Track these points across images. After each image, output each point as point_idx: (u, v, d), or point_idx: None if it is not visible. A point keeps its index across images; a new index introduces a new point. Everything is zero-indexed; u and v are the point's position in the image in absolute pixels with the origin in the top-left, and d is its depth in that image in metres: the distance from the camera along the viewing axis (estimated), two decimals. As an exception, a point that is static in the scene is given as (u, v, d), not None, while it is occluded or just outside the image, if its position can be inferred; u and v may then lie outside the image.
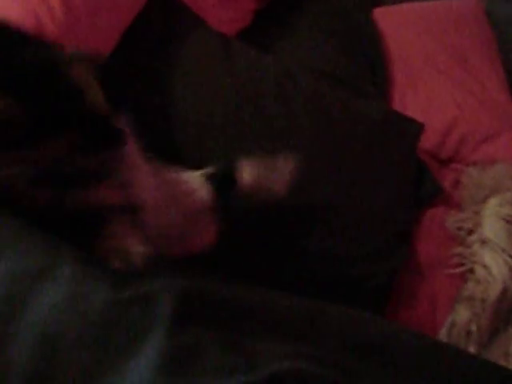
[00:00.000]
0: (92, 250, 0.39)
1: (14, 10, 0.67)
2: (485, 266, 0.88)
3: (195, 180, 0.63)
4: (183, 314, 0.32)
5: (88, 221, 0.40)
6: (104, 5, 0.72)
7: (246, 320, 0.36)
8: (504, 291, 0.85)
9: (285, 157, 0.64)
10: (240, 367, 0.30)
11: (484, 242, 0.90)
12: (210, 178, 0.63)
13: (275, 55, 0.97)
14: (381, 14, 1.26)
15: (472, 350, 0.82)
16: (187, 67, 0.85)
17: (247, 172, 0.62)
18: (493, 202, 0.94)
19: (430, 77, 1.13)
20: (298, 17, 1.13)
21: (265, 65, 0.87)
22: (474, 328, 0.83)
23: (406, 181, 0.90)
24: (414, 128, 0.94)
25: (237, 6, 1.05)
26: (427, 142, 1.03)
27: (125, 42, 0.81)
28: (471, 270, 0.89)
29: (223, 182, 0.63)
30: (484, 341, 0.83)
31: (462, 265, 0.90)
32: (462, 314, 0.84)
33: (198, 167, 0.66)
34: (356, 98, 0.96)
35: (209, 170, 0.65)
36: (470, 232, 0.93)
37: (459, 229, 0.94)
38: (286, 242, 0.77)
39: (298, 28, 1.11)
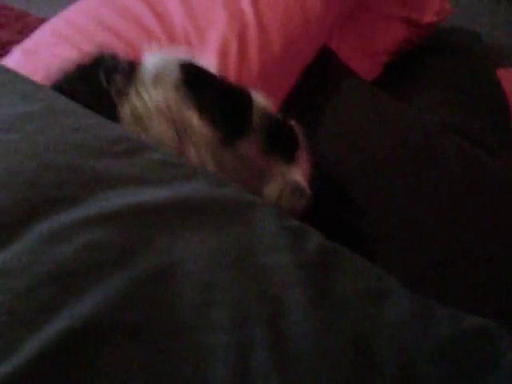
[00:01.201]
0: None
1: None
2: None
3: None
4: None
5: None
6: (289, 69, 0.85)
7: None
8: None
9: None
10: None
11: None
12: None
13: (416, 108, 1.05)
14: (503, 75, 1.33)
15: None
16: (339, 113, 0.95)
17: None
18: None
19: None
20: (426, 72, 1.22)
21: (412, 115, 0.95)
22: None
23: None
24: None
25: (373, 59, 1.15)
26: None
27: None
28: None
29: None
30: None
31: None
32: None
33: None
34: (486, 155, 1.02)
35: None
36: None
37: None
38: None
39: (427, 82, 1.19)
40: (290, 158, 0.68)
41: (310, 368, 0.31)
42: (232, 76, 0.75)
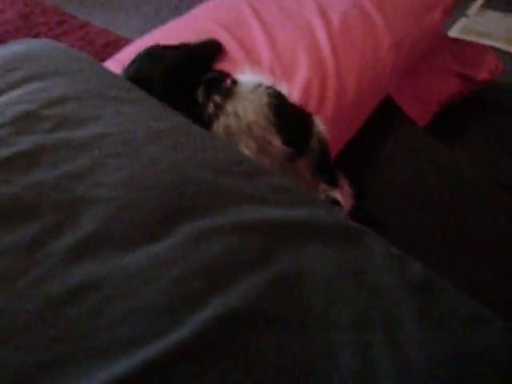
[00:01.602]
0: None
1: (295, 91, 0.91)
2: None
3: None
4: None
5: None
6: (358, 114, 0.96)
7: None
8: None
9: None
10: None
11: None
12: None
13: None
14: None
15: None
16: (395, 159, 1.04)
17: None
18: None
19: None
20: (474, 124, 1.31)
21: (464, 167, 1.03)
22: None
23: None
24: None
25: (425, 108, 1.25)
26: None
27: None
28: None
29: None
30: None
31: None
32: None
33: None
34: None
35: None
36: None
37: None
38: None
39: (475, 135, 1.28)
40: (333, 181, 0.84)
41: (420, 370, 0.39)
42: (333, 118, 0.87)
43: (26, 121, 0.65)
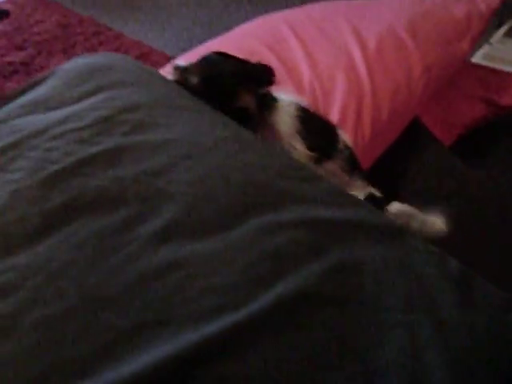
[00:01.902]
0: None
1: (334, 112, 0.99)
2: None
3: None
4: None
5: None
6: (390, 133, 1.05)
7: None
8: None
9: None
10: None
11: None
12: None
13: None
14: None
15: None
16: (421, 175, 1.12)
17: None
18: None
19: None
20: (494, 148, 1.38)
21: (488, 186, 1.11)
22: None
23: None
24: None
25: (450, 130, 1.33)
26: None
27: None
28: None
29: None
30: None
31: None
32: None
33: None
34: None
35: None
36: None
37: None
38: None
39: (499, 158, 1.35)
40: (366, 178, 0.96)
41: (458, 345, 0.46)
42: (368, 133, 0.96)
43: (105, 124, 0.74)
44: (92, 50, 2.42)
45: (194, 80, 0.85)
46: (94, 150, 0.70)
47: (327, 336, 0.48)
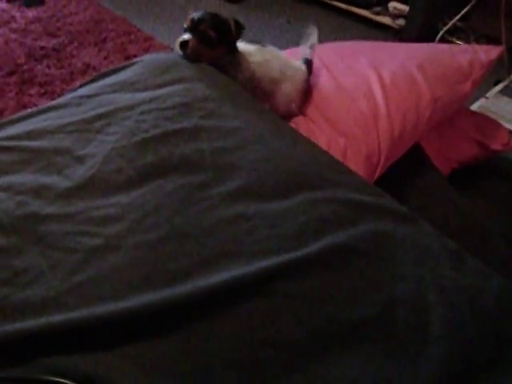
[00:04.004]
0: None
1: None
2: None
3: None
4: None
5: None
6: (397, 151, 1.27)
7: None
8: None
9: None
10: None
11: None
12: None
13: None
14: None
15: None
16: (422, 198, 1.34)
17: None
18: None
19: None
20: (485, 185, 1.62)
21: (481, 213, 1.33)
22: None
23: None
24: None
25: (447, 163, 1.57)
26: None
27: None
28: None
29: None
30: None
31: None
32: None
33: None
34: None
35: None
36: None
37: None
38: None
39: (486, 193, 1.59)
40: None
41: (453, 293, 0.67)
42: (383, 147, 1.19)
43: (184, 108, 0.95)
44: (122, 47, 2.62)
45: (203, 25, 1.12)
46: (177, 126, 0.90)
47: (359, 276, 0.68)
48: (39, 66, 2.35)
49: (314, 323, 0.63)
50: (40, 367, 0.58)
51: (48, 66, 2.35)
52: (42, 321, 0.61)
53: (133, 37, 2.78)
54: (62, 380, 0.56)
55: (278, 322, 0.63)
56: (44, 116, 0.93)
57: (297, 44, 1.54)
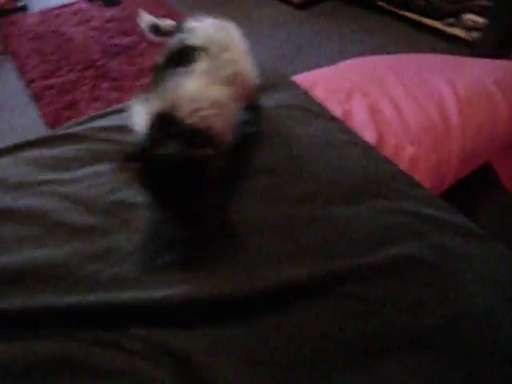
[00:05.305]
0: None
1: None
2: None
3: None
4: None
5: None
6: (468, 165, 1.27)
7: None
8: None
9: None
10: None
11: None
12: None
13: None
14: None
15: None
16: (488, 213, 1.33)
17: None
18: None
19: None
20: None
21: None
22: None
23: None
24: None
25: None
26: None
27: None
28: None
29: None
30: None
31: None
32: None
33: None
34: None
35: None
36: None
37: None
38: None
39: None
40: None
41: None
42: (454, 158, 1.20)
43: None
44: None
45: None
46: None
47: (424, 287, 0.71)
48: (112, 63, 2.52)
49: (377, 326, 0.67)
50: (125, 336, 0.66)
51: (120, 63, 2.52)
52: (128, 295, 0.69)
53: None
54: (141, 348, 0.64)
55: (341, 320, 0.68)
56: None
57: (361, 54, 1.55)
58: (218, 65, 0.84)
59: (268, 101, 1.07)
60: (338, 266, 0.72)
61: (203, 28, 0.94)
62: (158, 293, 0.69)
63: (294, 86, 1.17)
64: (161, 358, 0.64)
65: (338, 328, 0.67)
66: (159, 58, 0.89)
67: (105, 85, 2.34)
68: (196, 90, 0.78)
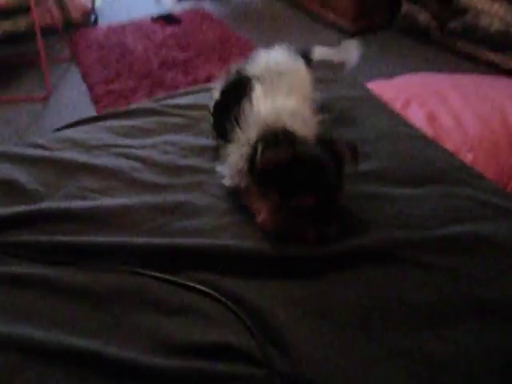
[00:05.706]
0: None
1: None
2: None
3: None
4: None
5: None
6: None
7: None
8: None
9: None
10: None
11: None
12: None
13: None
14: None
15: None
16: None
17: None
18: None
19: None
20: None
21: None
22: None
23: None
24: None
25: None
26: None
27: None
28: None
29: None
30: None
31: None
32: None
33: None
34: None
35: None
36: None
37: None
38: None
39: None
40: None
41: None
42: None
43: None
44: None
45: None
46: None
47: (496, 263, 0.72)
48: (168, 73, 2.66)
49: (444, 294, 0.67)
50: (194, 279, 0.69)
51: (176, 74, 2.66)
52: (199, 242, 0.73)
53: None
54: (210, 291, 0.67)
55: (407, 285, 0.69)
56: (203, 94, 1.10)
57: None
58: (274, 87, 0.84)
59: (329, 93, 1.11)
60: (404, 235, 0.74)
61: (262, 57, 0.97)
62: (227, 242, 0.73)
63: (358, 82, 1.22)
64: (230, 303, 0.66)
65: (404, 292, 0.68)
66: (215, 93, 0.93)
67: (160, 93, 2.47)
68: (287, 105, 0.80)
